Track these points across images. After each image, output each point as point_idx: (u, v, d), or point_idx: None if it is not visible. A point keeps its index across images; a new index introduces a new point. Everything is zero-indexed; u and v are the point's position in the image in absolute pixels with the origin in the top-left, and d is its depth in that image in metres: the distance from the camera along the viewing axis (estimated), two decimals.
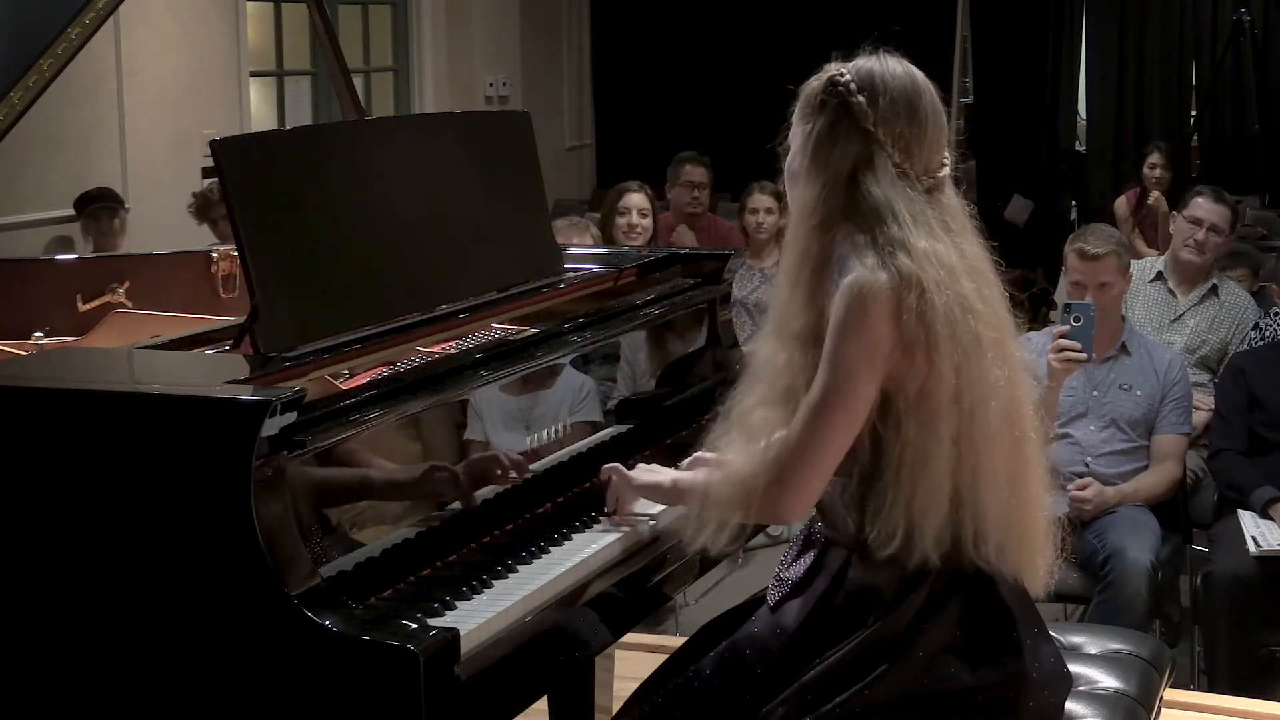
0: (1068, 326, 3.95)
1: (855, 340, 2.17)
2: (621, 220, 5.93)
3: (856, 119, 2.25)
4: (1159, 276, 5.40)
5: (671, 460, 2.67)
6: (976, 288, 2.24)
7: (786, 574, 2.37)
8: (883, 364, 2.18)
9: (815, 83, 2.31)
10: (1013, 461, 2.26)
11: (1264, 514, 4.39)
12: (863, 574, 2.27)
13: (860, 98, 2.25)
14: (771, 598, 2.37)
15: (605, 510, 2.56)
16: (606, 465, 2.60)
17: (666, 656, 2.53)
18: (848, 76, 2.27)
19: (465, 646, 2.00)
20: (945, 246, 2.23)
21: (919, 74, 2.32)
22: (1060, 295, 4.63)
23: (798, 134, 2.33)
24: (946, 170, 2.32)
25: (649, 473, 2.55)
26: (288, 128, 6.61)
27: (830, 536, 2.32)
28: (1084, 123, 11.09)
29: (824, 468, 2.22)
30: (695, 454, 2.63)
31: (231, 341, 2.44)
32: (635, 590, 2.46)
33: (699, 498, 2.34)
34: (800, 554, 2.37)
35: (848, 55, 2.33)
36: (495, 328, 2.77)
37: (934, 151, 2.30)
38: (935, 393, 2.19)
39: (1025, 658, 2.28)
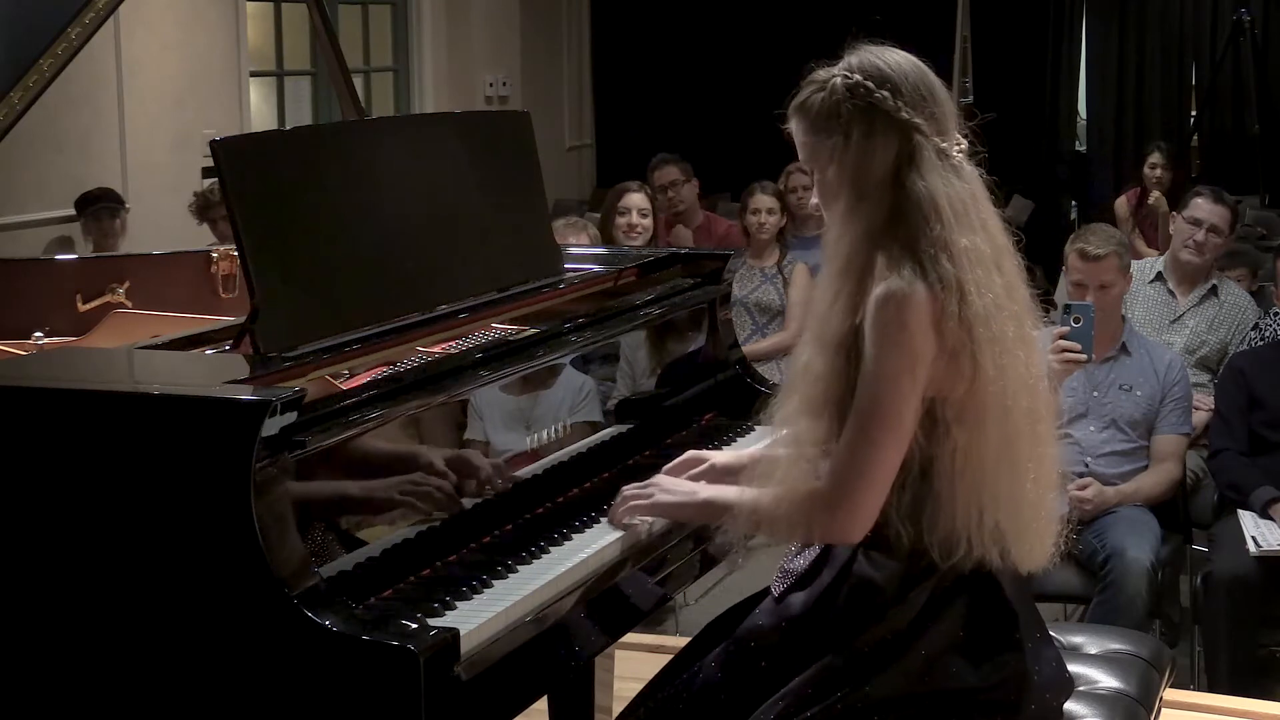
0: (1067, 327, 3.95)
1: (895, 353, 2.16)
2: (621, 220, 5.94)
3: (890, 114, 2.22)
4: (1159, 277, 5.40)
5: (668, 460, 2.66)
6: (1005, 280, 2.23)
7: (791, 566, 2.36)
8: (925, 373, 2.17)
9: (822, 94, 2.26)
10: (1034, 455, 2.26)
11: (1264, 514, 4.39)
12: (868, 568, 2.26)
13: (884, 92, 2.22)
14: (776, 589, 2.37)
15: (609, 519, 2.51)
16: (629, 486, 2.51)
17: (666, 656, 2.52)
18: (858, 76, 2.24)
19: (465, 646, 1.99)
20: (981, 238, 2.22)
21: (902, 52, 2.30)
22: (1060, 295, 4.63)
23: (822, 148, 2.27)
24: (963, 146, 2.29)
25: (668, 493, 2.47)
26: (288, 128, 6.62)
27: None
28: (1084, 123, 11.09)
29: (880, 483, 2.20)
30: (692, 456, 2.61)
31: (231, 341, 2.43)
32: (635, 590, 2.46)
33: (747, 517, 2.30)
34: (805, 546, 2.37)
35: (827, 58, 2.29)
36: (495, 328, 2.77)
37: (951, 125, 2.28)
38: (981, 394, 2.18)
39: (1027, 658, 2.28)
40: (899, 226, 2.21)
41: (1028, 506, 2.25)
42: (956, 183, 2.23)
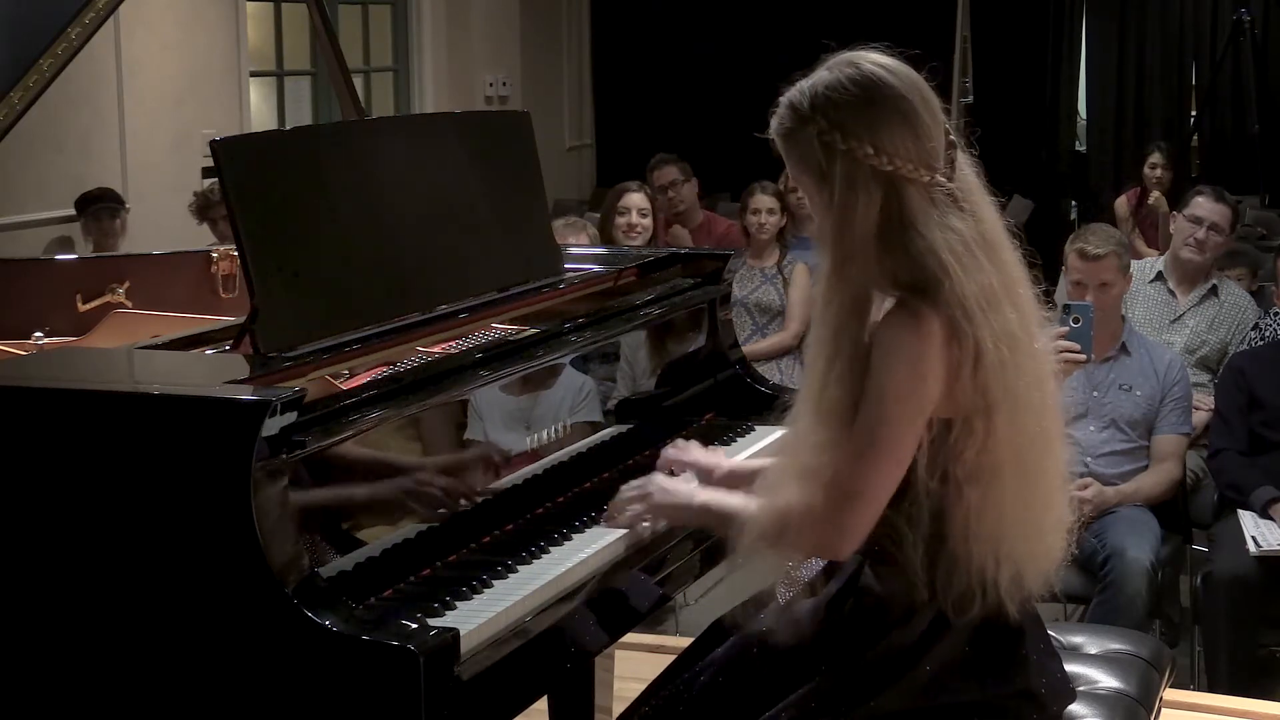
0: (1066, 328, 3.95)
1: (903, 385, 2.09)
2: (621, 220, 5.94)
3: (872, 167, 2.10)
4: (1159, 277, 5.40)
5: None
6: (1015, 309, 2.15)
7: (797, 573, 2.35)
8: (931, 402, 2.11)
9: (795, 130, 2.15)
10: (1046, 486, 2.22)
11: (1264, 514, 4.39)
12: (874, 584, 2.24)
13: (863, 145, 2.10)
14: (781, 596, 2.35)
15: (605, 518, 2.49)
16: (628, 485, 2.48)
17: (666, 656, 2.52)
18: (824, 122, 2.11)
19: (465, 646, 1.99)
20: (989, 272, 2.12)
21: (870, 66, 2.15)
22: (1060, 295, 4.63)
23: (806, 183, 2.18)
24: (953, 138, 2.18)
25: (666, 494, 2.44)
26: (288, 128, 6.62)
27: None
28: (1084, 123, 11.09)
29: (874, 504, 2.14)
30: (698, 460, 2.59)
31: (231, 341, 2.43)
32: (635, 590, 2.46)
33: (741, 527, 2.24)
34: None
35: (792, 74, 2.20)
36: (495, 328, 2.77)
37: (940, 132, 2.16)
38: (994, 451, 2.13)
39: (1032, 674, 2.26)
40: (900, 278, 2.13)
41: (1040, 532, 2.20)
42: (954, 221, 2.13)
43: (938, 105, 2.19)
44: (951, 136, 2.19)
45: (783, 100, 2.20)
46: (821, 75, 2.18)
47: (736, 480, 2.48)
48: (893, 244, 2.13)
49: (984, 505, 2.14)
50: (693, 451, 2.60)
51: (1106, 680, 2.63)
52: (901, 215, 2.13)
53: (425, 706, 1.91)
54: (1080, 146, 11.11)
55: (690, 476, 2.56)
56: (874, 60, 2.17)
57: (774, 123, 2.21)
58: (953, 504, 2.15)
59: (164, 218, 7.07)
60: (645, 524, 2.48)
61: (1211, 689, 4.22)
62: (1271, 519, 4.37)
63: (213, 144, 2.35)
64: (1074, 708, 2.43)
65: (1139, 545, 4.25)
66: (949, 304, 2.09)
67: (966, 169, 2.21)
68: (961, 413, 2.12)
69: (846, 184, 2.12)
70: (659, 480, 2.48)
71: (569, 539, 2.44)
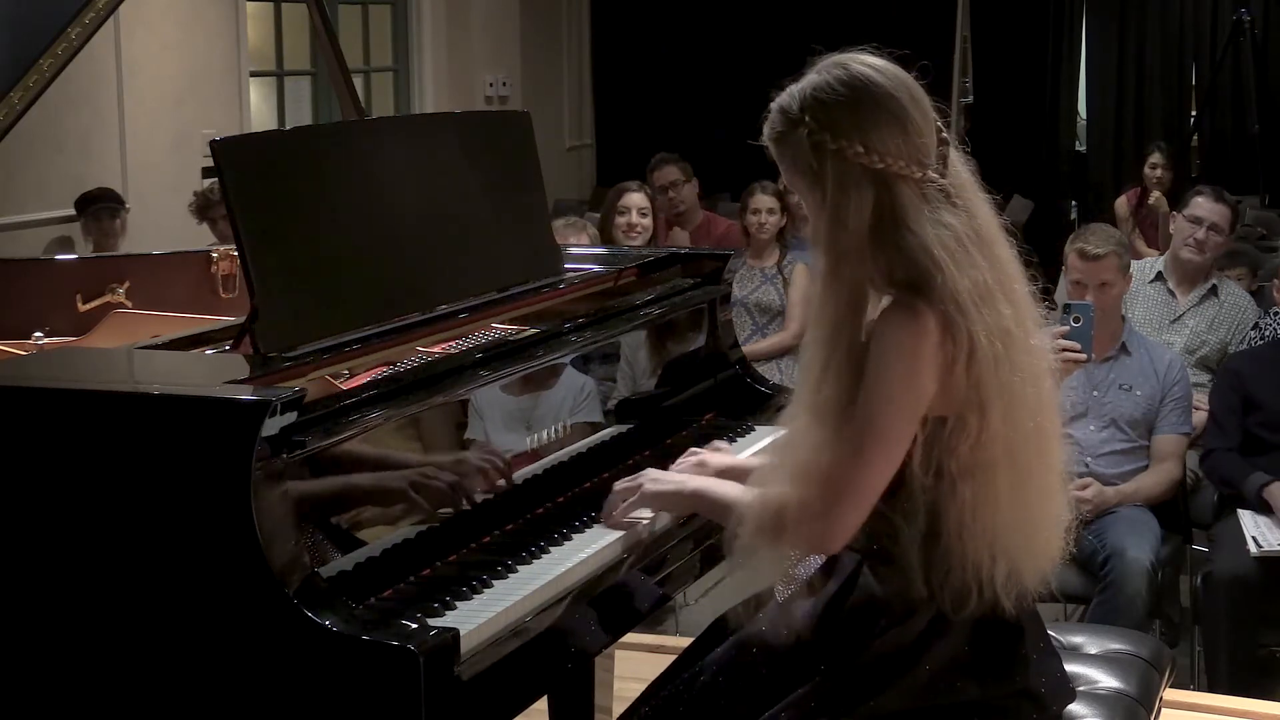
0: (1067, 327, 3.95)
1: (900, 379, 2.09)
2: (621, 220, 5.94)
3: (862, 165, 2.11)
4: (1159, 277, 5.41)
5: (668, 461, 2.66)
6: (1011, 305, 2.15)
7: (797, 572, 2.35)
8: (926, 400, 2.11)
9: (786, 134, 2.17)
10: (1041, 483, 2.21)
11: (1259, 500, 4.38)
12: (873, 583, 2.24)
13: (854, 145, 2.11)
14: (781, 596, 2.36)
15: (602, 517, 2.50)
16: (620, 481, 2.50)
17: (666, 656, 2.51)
18: (814, 123, 2.13)
19: (465, 646, 1.99)
20: (983, 268, 2.13)
21: (858, 66, 2.17)
22: (1060, 295, 4.63)
23: (799, 186, 2.20)
24: (945, 136, 2.19)
25: (656, 483, 2.45)
26: (288, 128, 6.62)
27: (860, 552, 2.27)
28: (1084, 123, 11.10)
29: (866, 500, 2.14)
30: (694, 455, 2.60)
31: (231, 341, 2.43)
32: (635, 590, 2.46)
33: (733, 513, 2.26)
34: (810, 554, 2.35)
35: (788, 76, 2.20)
36: (495, 328, 2.77)
37: (930, 129, 2.17)
38: (988, 447, 2.13)
39: (1031, 674, 2.25)
40: (895, 275, 2.14)
41: (1036, 529, 2.20)
42: (947, 217, 2.14)
43: (928, 103, 2.20)
44: (943, 134, 2.20)
45: (773, 106, 2.22)
46: (810, 78, 2.20)
47: (732, 477, 2.48)
48: (886, 241, 2.14)
49: (979, 501, 2.14)
50: (699, 453, 2.61)
51: (1106, 680, 2.63)
52: (894, 213, 2.14)
53: (425, 706, 1.91)
54: (1080, 146, 11.12)
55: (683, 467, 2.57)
56: (862, 61, 2.19)
57: (766, 128, 2.23)
58: (947, 500, 2.15)
59: (164, 218, 7.08)
60: (643, 521, 2.49)
61: (1211, 689, 4.22)
62: (1269, 506, 4.36)
63: (213, 144, 2.35)
64: (1074, 707, 2.43)
65: (1139, 545, 4.26)
66: (942, 299, 2.10)
67: (959, 165, 2.22)
68: (956, 409, 2.13)
69: (838, 184, 2.13)
70: (650, 471, 2.49)
71: (569, 539, 2.44)
